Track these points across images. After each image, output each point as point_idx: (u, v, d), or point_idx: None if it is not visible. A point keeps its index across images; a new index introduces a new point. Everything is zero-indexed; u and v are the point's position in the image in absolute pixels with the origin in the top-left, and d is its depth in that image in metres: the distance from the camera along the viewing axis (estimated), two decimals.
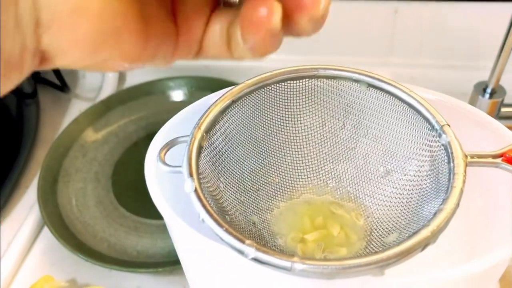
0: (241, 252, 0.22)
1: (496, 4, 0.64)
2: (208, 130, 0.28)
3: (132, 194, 0.57)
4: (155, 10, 0.19)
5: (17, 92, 0.59)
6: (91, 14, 0.17)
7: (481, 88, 0.58)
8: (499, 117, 0.59)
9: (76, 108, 0.68)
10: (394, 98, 0.29)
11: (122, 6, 0.18)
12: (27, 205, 0.56)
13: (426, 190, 0.27)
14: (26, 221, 0.54)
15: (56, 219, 0.53)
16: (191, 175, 0.25)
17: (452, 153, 0.25)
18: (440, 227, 0.23)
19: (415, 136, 0.29)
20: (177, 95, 0.68)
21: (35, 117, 0.64)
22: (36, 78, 0.68)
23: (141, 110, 0.67)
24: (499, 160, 0.26)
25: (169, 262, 0.48)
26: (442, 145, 0.26)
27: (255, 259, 0.22)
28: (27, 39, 0.17)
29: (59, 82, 0.70)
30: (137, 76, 0.72)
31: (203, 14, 0.20)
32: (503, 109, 0.59)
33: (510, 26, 0.51)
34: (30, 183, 0.59)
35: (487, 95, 0.58)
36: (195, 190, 0.24)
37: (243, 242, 0.22)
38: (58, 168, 0.59)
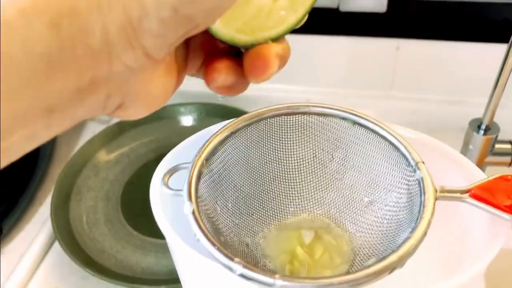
0: (230, 268, 0.25)
1: (490, 45, 0.67)
2: (208, 158, 0.31)
3: (139, 213, 0.60)
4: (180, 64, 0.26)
5: None
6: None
7: (476, 124, 0.61)
8: (493, 153, 0.61)
9: (91, 129, 0.72)
10: (377, 135, 0.32)
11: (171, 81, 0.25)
12: (40, 220, 0.60)
13: (402, 220, 0.30)
14: (39, 235, 0.57)
15: (67, 235, 0.56)
16: (190, 198, 0.28)
17: (424, 187, 0.28)
18: (408, 253, 0.25)
19: (395, 171, 0.32)
20: (187, 120, 0.71)
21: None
22: None
23: (152, 133, 0.70)
24: (466, 195, 0.29)
25: (172, 280, 0.51)
26: (417, 179, 0.29)
27: (242, 275, 0.25)
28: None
29: None
30: None
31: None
32: (497, 146, 0.62)
33: (503, 65, 0.54)
34: (44, 199, 0.63)
35: (481, 132, 0.60)
36: (193, 212, 0.27)
37: (232, 259, 0.25)
38: (72, 186, 0.62)
